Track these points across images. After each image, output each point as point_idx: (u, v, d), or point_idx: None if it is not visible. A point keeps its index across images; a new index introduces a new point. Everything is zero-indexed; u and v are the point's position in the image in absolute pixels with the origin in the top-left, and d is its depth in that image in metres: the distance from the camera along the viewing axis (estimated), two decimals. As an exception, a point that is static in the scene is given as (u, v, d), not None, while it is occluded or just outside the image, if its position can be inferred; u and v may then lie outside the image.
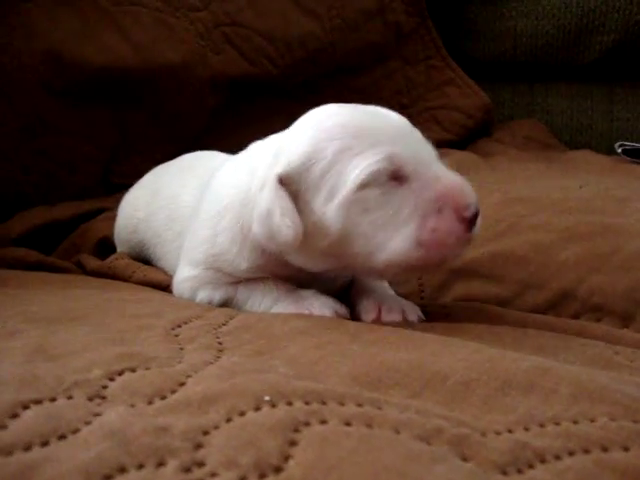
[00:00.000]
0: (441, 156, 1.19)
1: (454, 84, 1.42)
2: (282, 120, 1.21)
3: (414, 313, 0.57)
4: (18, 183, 0.99)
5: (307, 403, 0.34)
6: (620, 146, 1.15)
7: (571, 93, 1.45)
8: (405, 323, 0.55)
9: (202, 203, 0.63)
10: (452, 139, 1.35)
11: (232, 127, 1.16)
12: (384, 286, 0.63)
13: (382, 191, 0.51)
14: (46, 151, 1.01)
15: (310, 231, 0.52)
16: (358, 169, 0.50)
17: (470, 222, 0.51)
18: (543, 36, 1.40)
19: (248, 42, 1.18)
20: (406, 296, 0.62)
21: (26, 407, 0.35)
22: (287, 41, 1.21)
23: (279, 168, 0.53)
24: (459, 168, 1.03)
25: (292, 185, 0.52)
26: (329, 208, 0.51)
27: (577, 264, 0.64)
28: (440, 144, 1.29)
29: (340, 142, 0.52)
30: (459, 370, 0.40)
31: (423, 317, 0.58)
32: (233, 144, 0.96)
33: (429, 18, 1.45)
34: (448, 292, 0.65)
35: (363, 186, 0.50)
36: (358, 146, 0.51)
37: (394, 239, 0.51)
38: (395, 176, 0.51)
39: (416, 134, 0.55)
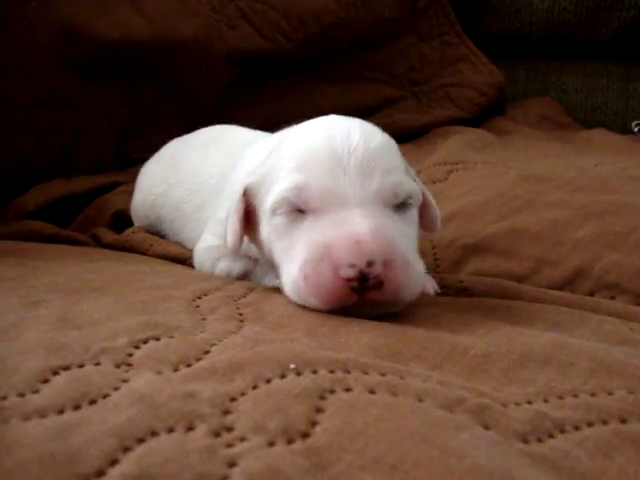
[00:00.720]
0: (454, 133, 1.18)
1: (468, 61, 1.41)
2: (296, 95, 1.20)
3: (431, 286, 0.57)
4: (33, 157, 1.00)
5: (332, 371, 0.35)
6: (636, 125, 1.14)
7: (587, 71, 1.43)
8: (422, 296, 0.55)
9: (227, 182, 0.64)
10: (465, 117, 1.33)
11: (246, 102, 1.16)
12: None
13: (287, 220, 0.48)
14: (60, 125, 1.01)
15: (262, 242, 0.53)
16: (271, 194, 0.49)
17: (357, 282, 0.43)
18: (560, 12, 1.38)
19: (263, 17, 1.17)
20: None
21: (56, 373, 0.35)
22: (301, 16, 1.20)
23: (251, 177, 0.53)
24: (473, 146, 1.04)
25: (254, 197, 0.53)
26: (262, 228, 0.52)
27: (592, 242, 0.64)
28: (453, 122, 1.29)
29: (281, 163, 0.50)
30: (477, 344, 0.41)
31: (439, 290, 0.58)
32: (247, 119, 0.96)
33: (444, -7, 1.43)
34: (464, 267, 0.66)
35: (273, 212, 0.49)
36: (285, 170, 0.49)
37: (283, 275, 0.49)
38: (300, 209, 0.48)
39: (361, 169, 0.47)
